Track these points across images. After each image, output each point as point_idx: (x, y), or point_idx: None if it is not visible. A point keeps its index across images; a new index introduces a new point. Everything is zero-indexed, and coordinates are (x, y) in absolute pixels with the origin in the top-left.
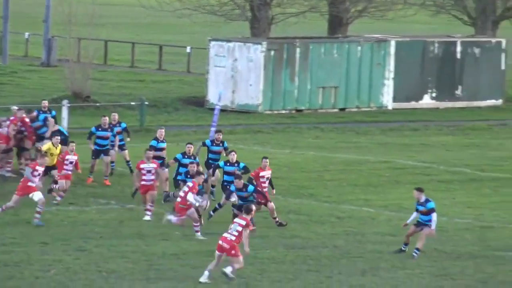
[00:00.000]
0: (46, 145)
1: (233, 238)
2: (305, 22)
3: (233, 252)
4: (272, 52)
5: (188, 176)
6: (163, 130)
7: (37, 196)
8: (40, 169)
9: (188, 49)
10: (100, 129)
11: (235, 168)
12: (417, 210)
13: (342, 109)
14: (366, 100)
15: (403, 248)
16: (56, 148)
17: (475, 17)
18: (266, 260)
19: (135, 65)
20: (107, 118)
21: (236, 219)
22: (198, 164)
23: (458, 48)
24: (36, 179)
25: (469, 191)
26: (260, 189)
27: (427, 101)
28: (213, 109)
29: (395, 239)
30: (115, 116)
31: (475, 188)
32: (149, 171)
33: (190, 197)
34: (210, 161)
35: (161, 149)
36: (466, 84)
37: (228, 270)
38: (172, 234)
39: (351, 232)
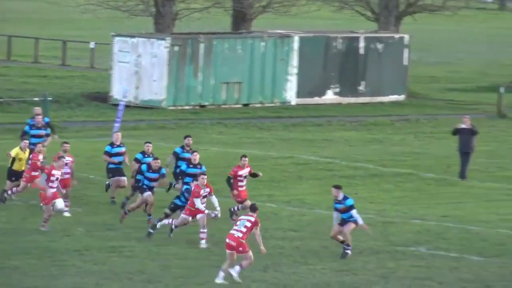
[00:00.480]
0: (14, 151)
1: (240, 234)
2: (209, 17)
3: (240, 249)
4: (176, 48)
5: (150, 170)
6: (120, 134)
7: (59, 204)
8: (57, 173)
9: (92, 45)
10: (34, 128)
11: (199, 170)
12: (336, 209)
13: (245, 105)
14: (270, 96)
15: (346, 249)
16: (24, 152)
17: (378, 13)
18: (170, 256)
19: (38, 61)
20: (40, 116)
21: (243, 216)
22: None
23: (361, 44)
24: (54, 185)
25: (371, 186)
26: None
27: (330, 96)
28: (116, 105)
29: (297, 235)
30: (38, 110)
31: (377, 184)
32: (65, 164)
33: (198, 203)
34: (179, 169)
35: (118, 154)
36: (369, 79)
37: (236, 270)
38: (75, 230)
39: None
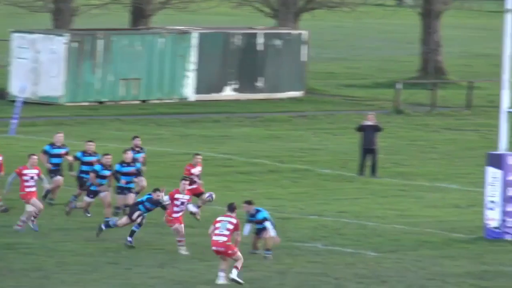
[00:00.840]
0: None
1: (225, 238)
2: (108, 14)
3: (230, 252)
4: (75, 44)
5: (104, 168)
6: (61, 135)
7: (32, 204)
8: (31, 172)
9: None
10: None
11: (132, 168)
12: (250, 221)
13: (144, 101)
14: (168, 92)
15: (256, 252)
16: None
17: (277, 9)
18: (66, 253)
19: None
20: None
21: (222, 217)
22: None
23: (260, 40)
24: (30, 183)
25: (269, 182)
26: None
27: (228, 92)
28: (14, 101)
29: (193, 231)
30: None
31: (274, 180)
32: None
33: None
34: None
35: (57, 155)
36: (268, 75)
37: (235, 274)
38: None
39: (151, 224)
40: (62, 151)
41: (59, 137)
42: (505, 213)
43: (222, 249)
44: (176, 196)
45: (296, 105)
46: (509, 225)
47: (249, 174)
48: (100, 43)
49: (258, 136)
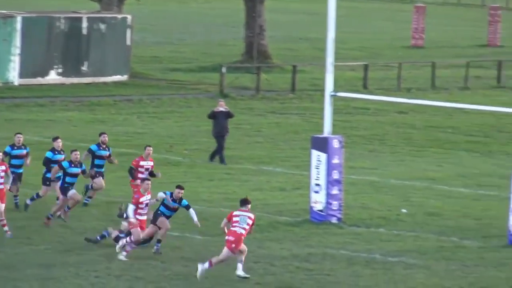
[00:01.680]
0: None
1: (243, 231)
2: None
3: (240, 245)
4: None
5: (72, 165)
6: None
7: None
8: None
9: None
10: None
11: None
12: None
13: None
14: None
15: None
16: None
17: None
18: None
19: None
20: None
21: (239, 212)
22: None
23: (84, 24)
24: (8, 180)
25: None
26: None
27: (53, 77)
28: None
29: (21, 215)
30: None
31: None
32: None
33: (130, 209)
34: (95, 168)
35: None
36: (92, 60)
37: (240, 271)
38: None
39: None
40: None
41: None
42: (329, 196)
43: (233, 238)
44: (141, 200)
45: (121, 89)
46: (334, 208)
47: None
48: None
49: (83, 120)
